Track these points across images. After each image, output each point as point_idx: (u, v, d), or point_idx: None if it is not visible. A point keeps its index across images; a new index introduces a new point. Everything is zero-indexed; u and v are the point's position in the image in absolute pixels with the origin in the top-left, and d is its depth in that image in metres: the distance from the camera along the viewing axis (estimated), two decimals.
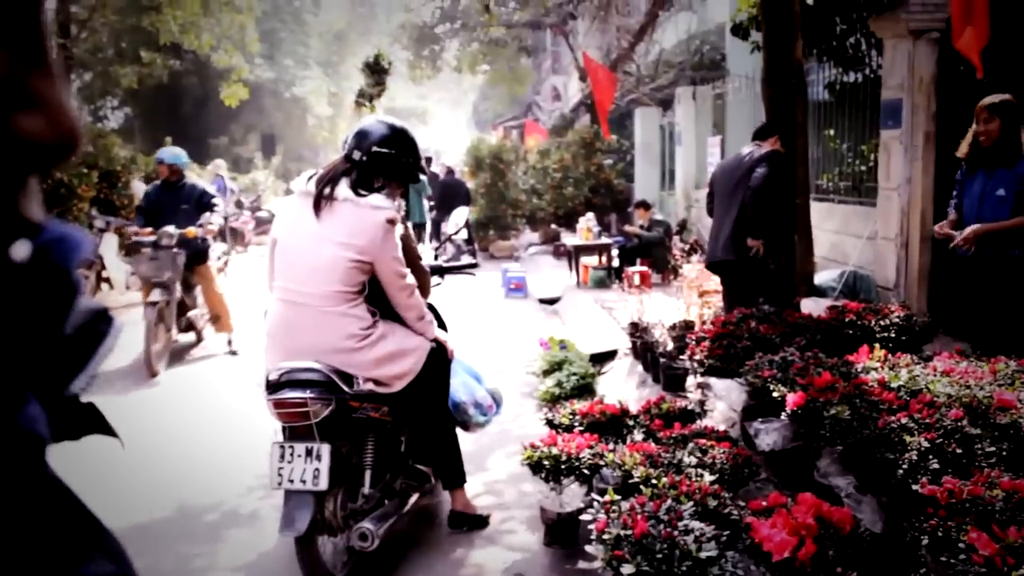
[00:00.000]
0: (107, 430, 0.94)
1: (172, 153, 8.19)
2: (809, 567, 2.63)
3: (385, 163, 3.63)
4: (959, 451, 3.00)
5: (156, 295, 7.51)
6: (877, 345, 4.32)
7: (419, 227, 16.46)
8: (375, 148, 3.60)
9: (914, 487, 2.85)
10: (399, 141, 3.68)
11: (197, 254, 7.95)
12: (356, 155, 3.60)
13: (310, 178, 3.65)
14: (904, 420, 3.18)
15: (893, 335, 4.84)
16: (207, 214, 7.89)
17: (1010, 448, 3.05)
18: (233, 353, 8.29)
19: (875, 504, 3.23)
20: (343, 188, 3.52)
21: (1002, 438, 3.09)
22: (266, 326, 3.67)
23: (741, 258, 6.07)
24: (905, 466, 2.96)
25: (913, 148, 7.10)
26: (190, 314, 8.17)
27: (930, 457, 2.96)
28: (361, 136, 3.64)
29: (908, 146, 7.13)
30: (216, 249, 8.62)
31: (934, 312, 6.68)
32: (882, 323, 4.94)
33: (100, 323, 0.85)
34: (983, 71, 5.66)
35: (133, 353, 7.60)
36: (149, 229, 7.68)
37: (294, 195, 3.69)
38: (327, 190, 3.52)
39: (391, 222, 3.51)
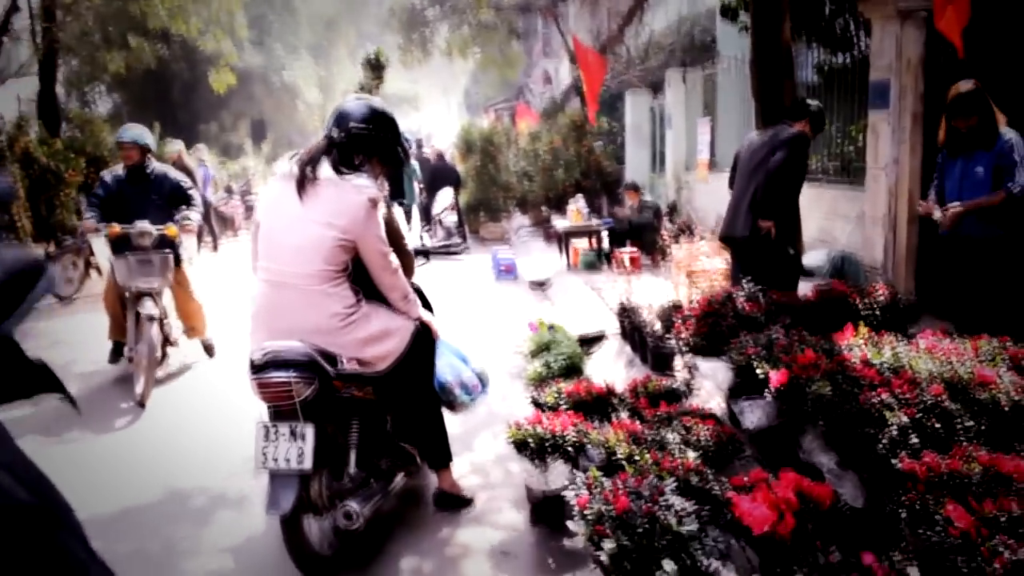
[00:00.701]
0: (59, 389, 0.95)
1: (135, 132, 6.71)
2: (789, 541, 2.66)
3: (364, 141, 3.64)
4: (939, 427, 3.02)
5: (150, 308, 6.31)
6: (862, 324, 4.34)
7: (411, 209, 16.53)
8: (354, 127, 3.61)
9: (894, 462, 2.87)
10: (378, 120, 3.69)
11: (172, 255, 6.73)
12: (336, 134, 3.61)
13: (292, 159, 3.65)
14: (885, 397, 3.20)
15: (878, 314, 4.86)
16: (185, 210, 6.70)
17: (989, 423, 3.07)
18: (211, 355, 7.41)
19: (856, 480, 3.25)
20: (325, 168, 3.53)
21: (981, 414, 3.11)
22: (250, 307, 3.67)
23: (755, 236, 6.05)
24: (885, 442, 2.98)
25: (901, 129, 7.10)
26: (164, 326, 6.77)
27: (910, 433, 2.98)
28: (341, 116, 3.66)
29: (896, 127, 7.12)
30: (189, 248, 7.80)
31: (921, 292, 6.70)
32: (867, 302, 4.96)
33: (31, 270, 0.86)
34: (964, 51, 5.67)
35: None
36: (116, 226, 6.39)
37: (277, 177, 3.69)
38: (309, 171, 3.52)
39: (373, 202, 3.52)
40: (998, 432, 3.06)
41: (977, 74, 5.77)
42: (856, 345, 4.02)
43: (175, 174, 6.95)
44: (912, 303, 5.09)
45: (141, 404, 5.95)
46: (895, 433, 2.98)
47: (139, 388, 6.03)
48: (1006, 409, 3.12)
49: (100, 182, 6.76)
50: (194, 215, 6.71)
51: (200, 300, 7.15)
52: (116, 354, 6.91)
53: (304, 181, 3.51)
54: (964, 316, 5.07)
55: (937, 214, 5.05)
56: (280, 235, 3.56)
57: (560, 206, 15.37)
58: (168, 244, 6.55)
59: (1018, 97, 6.12)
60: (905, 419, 3.03)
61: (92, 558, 0.92)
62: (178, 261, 6.82)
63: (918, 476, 2.72)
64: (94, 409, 5.81)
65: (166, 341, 6.75)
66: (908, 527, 2.62)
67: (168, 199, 6.70)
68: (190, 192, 6.85)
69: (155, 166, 6.79)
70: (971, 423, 3.05)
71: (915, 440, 2.94)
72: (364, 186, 3.52)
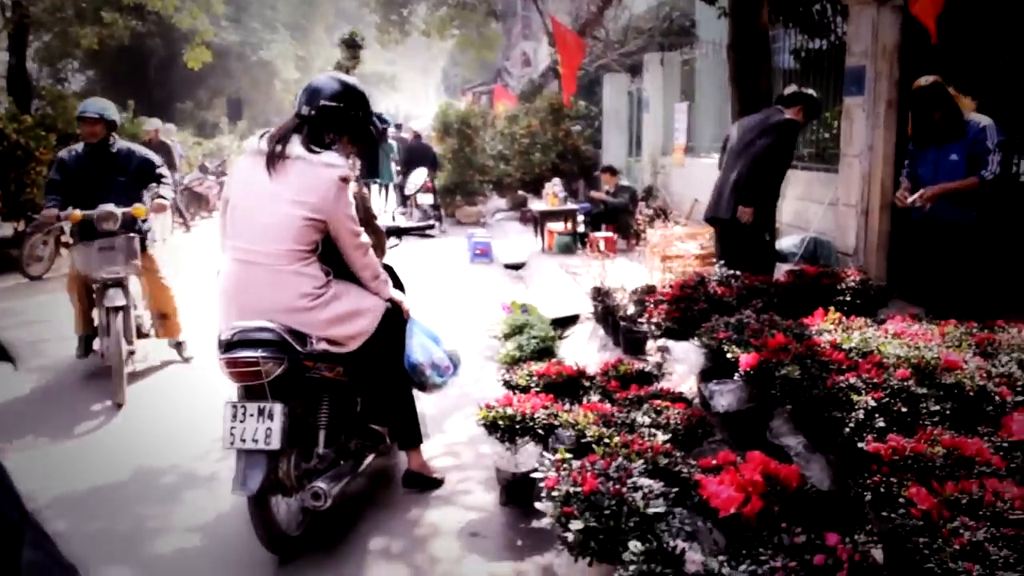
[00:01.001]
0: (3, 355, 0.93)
1: (99, 105, 6.14)
2: (755, 523, 2.67)
3: (335, 118, 3.61)
4: (904, 410, 3.04)
5: (117, 297, 5.75)
6: (832, 308, 4.37)
7: (388, 188, 16.51)
8: (324, 103, 3.57)
9: (860, 445, 2.89)
10: (348, 95, 3.66)
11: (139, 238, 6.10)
12: (306, 111, 3.58)
13: (262, 136, 3.61)
14: (853, 380, 3.22)
15: (849, 299, 4.89)
16: (155, 187, 6.15)
17: (953, 407, 3.10)
18: (185, 360, 6.63)
19: (824, 462, 3.28)
20: (295, 145, 3.49)
21: (946, 397, 3.14)
22: (219, 286, 3.64)
23: (735, 219, 6.07)
24: (852, 425, 3.00)
25: (875, 115, 7.13)
26: (134, 317, 6.17)
27: (876, 416, 3.00)
28: (311, 92, 3.63)
29: (870, 113, 7.15)
30: (161, 228, 7.21)
31: (892, 277, 6.76)
32: (838, 287, 4.99)
33: None
34: (939, 37, 5.69)
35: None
36: (77, 212, 5.79)
37: (246, 154, 3.66)
38: (279, 147, 3.49)
39: (344, 180, 3.50)
40: (962, 415, 3.09)
41: (951, 60, 5.82)
42: (826, 329, 4.04)
43: (142, 150, 6.38)
44: (883, 288, 5.14)
45: (118, 405, 5.50)
46: (862, 416, 3.00)
47: (114, 387, 5.56)
48: (970, 393, 3.15)
49: (57, 165, 6.11)
50: (167, 191, 6.17)
51: (171, 285, 6.49)
52: (85, 349, 6.32)
53: (274, 158, 3.47)
54: (934, 301, 5.12)
55: (912, 197, 5.06)
56: (249, 213, 3.52)
57: (537, 189, 15.37)
58: (134, 227, 5.97)
59: (992, 83, 6.17)
60: (872, 402, 3.05)
61: (25, 519, 0.91)
62: (144, 244, 6.17)
63: (883, 458, 2.74)
64: (64, 409, 5.54)
65: (137, 333, 6.19)
66: (872, 508, 2.64)
67: (135, 177, 6.12)
68: (159, 169, 6.25)
69: (120, 143, 6.18)
70: (936, 407, 3.07)
71: (881, 423, 2.96)
72: (335, 163, 3.49)
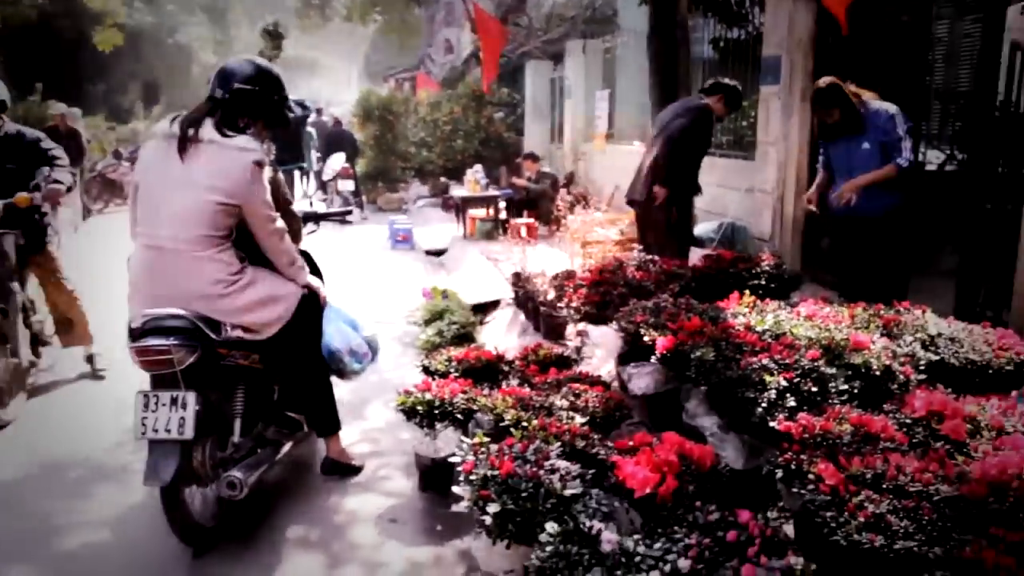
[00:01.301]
0: None
1: None
2: (670, 502, 2.70)
3: (249, 101, 3.53)
4: (814, 389, 3.11)
5: None
6: (747, 292, 4.44)
7: (309, 174, 16.31)
8: (238, 86, 3.49)
9: (772, 424, 2.95)
10: (263, 78, 3.59)
11: (33, 233, 5.35)
12: (219, 94, 3.49)
13: (173, 120, 3.50)
14: (765, 361, 3.28)
15: (763, 283, 4.98)
16: (47, 171, 5.23)
17: (861, 386, 3.19)
18: (98, 375, 5.83)
19: (737, 442, 3.33)
20: (208, 129, 3.41)
21: (855, 376, 3.22)
22: (129, 273, 3.52)
23: (650, 201, 6.14)
24: (764, 404, 3.05)
25: (790, 105, 7.26)
26: (33, 323, 5.58)
27: (787, 395, 3.07)
28: (224, 75, 3.54)
29: (785, 103, 7.28)
30: (71, 217, 6.31)
31: (806, 262, 6.91)
32: (753, 271, 5.08)
33: None
34: (849, 28, 5.82)
35: None
36: None
37: (156, 138, 3.55)
38: (191, 131, 3.39)
39: (259, 164, 3.42)
40: (869, 394, 3.18)
41: (862, 51, 5.96)
42: (740, 312, 4.11)
43: (33, 132, 5.48)
44: (796, 272, 5.24)
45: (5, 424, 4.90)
46: (773, 396, 3.06)
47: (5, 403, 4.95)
48: (877, 372, 3.24)
49: None
50: (63, 175, 5.26)
51: (74, 288, 5.70)
52: None
53: (186, 142, 3.38)
54: (846, 286, 5.25)
55: (832, 197, 5.15)
56: (160, 199, 3.42)
57: (458, 176, 15.33)
58: (17, 221, 5.14)
59: (897, 73, 6.35)
60: (783, 382, 3.12)
61: None
62: (42, 240, 5.46)
63: (793, 436, 2.81)
64: None
65: (39, 341, 5.66)
66: (784, 485, 2.70)
67: (25, 162, 5.24)
68: (53, 151, 5.37)
69: (9, 125, 5.32)
70: (844, 386, 3.15)
71: (792, 402, 3.03)
72: (248, 148, 3.41)
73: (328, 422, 4.09)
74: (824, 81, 5.07)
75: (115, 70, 30.56)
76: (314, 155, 16.48)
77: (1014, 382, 3.37)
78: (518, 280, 6.57)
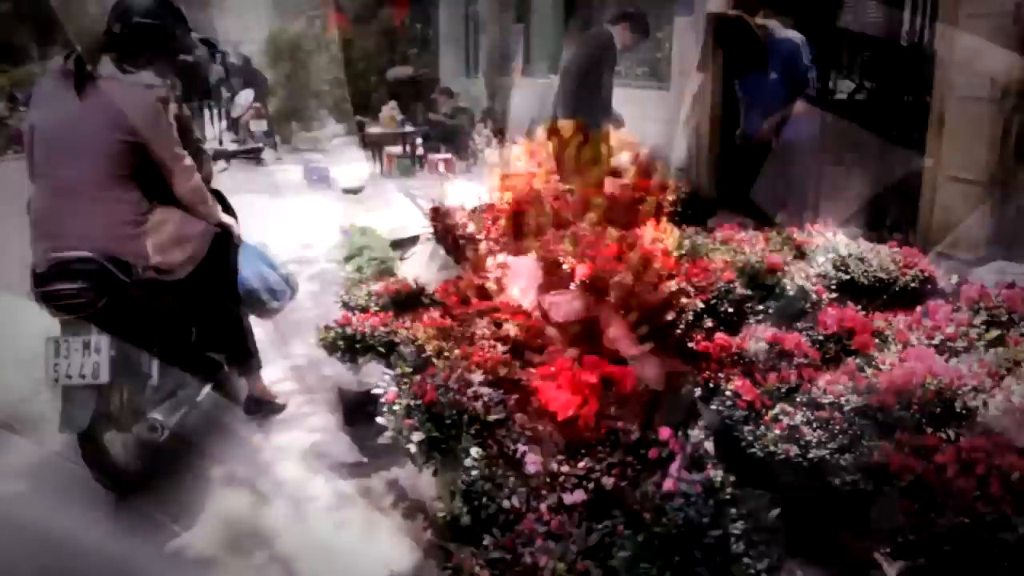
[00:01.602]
0: None
1: None
2: (592, 423, 2.75)
3: (151, 36, 3.38)
4: (731, 311, 3.18)
5: None
6: (664, 218, 4.48)
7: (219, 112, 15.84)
8: (137, 19, 3.33)
9: (690, 344, 3.01)
10: (163, 12, 3.43)
11: None
12: (117, 28, 3.33)
13: (68, 56, 3.33)
14: (683, 284, 3.33)
15: (680, 209, 5.04)
16: None
17: (776, 305, 3.27)
18: None
19: (657, 363, 3.39)
20: (107, 65, 3.26)
21: (769, 297, 3.30)
22: (31, 216, 3.37)
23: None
24: (683, 326, 3.11)
25: (704, 37, 7.28)
26: None
27: (705, 317, 3.13)
28: (121, 7, 3.37)
29: (699, 34, 7.30)
30: None
31: (721, 190, 7.01)
32: (670, 199, 5.13)
33: None
34: None
35: None
36: None
37: (51, 75, 3.39)
38: (88, 68, 3.23)
39: (163, 101, 3.31)
40: (783, 312, 3.26)
41: None
42: (658, 238, 4.15)
43: None
44: (712, 199, 5.31)
45: None
46: (691, 318, 3.12)
47: None
48: (790, 292, 3.32)
49: None
50: None
51: None
52: None
53: (83, 80, 3.22)
54: (758, 210, 5.35)
55: (759, 134, 5.22)
56: (59, 139, 3.27)
57: (374, 113, 15.07)
58: None
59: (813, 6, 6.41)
60: (700, 304, 3.17)
61: None
62: None
63: (712, 356, 2.87)
64: None
65: None
66: (703, 403, 2.77)
67: None
68: None
69: None
70: (760, 306, 3.23)
71: (709, 323, 3.09)
72: (151, 83, 3.29)
73: (248, 361, 4.03)
74: (730, 14, 5.09)
75: (4, 7, 28.95)
76: (224, 94, 16.00)
77: (919, 297, 3.50)
78: (437, 214, 6.50)
